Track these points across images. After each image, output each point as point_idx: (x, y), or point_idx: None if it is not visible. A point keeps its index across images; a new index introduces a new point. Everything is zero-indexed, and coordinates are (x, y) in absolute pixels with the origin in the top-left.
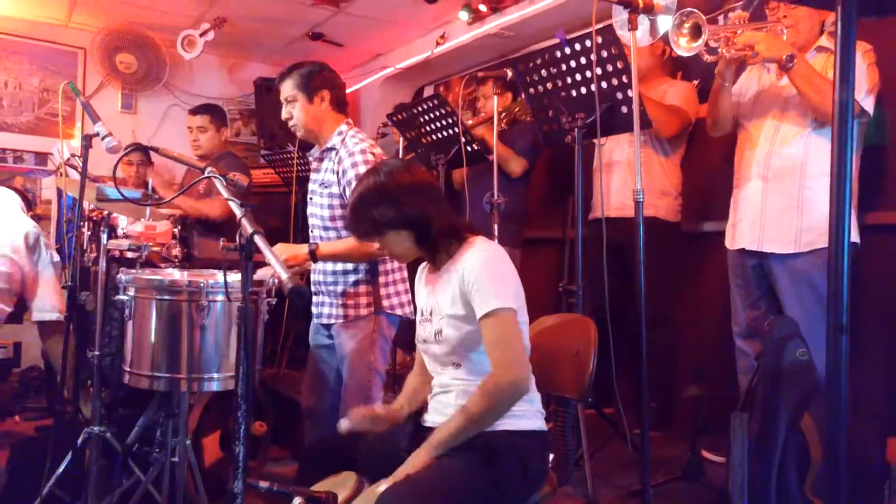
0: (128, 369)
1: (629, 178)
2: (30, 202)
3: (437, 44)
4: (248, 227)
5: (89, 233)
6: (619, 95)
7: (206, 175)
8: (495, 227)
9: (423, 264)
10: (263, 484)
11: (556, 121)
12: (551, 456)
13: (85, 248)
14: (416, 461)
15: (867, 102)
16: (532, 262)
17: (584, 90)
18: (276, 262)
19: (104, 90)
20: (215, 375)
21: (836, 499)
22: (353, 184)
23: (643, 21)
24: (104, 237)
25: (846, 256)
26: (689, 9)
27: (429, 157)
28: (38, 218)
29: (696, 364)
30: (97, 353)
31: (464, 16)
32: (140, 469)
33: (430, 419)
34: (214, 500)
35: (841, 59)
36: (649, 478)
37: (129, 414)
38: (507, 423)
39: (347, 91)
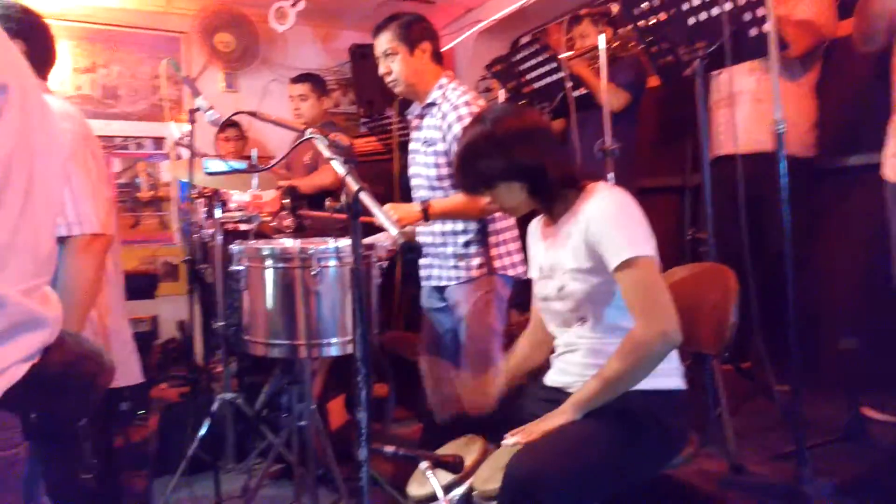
0: (247, 338)
1: (755, 109)
2: None
3: None
4: (352, 184)
5: (205, 209)
6: (748, 16)
7: (306, 137)
8: (610, 176)
9: (537, 218)
10: (389, 449)
11: (673, 53)
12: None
13: (202, 224)
14: (551, 423)
15: None
16: (649, 213)
17: (703, 16)
18: (385, 218)
19: (207, 71)
20: (333, 340)
21: None
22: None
23: None
24: (217, 211)
25: None
26: None
27: (532, 107)
28: (159, 200)
29: (851, 314)
30: (222, 323)
31: None
32: (273, 433)
33: (555, 379)
34: (342, 461)
35: None
36: (803, 437)
37: (257, 381)
38: (645, 382)
39: (441, 50)
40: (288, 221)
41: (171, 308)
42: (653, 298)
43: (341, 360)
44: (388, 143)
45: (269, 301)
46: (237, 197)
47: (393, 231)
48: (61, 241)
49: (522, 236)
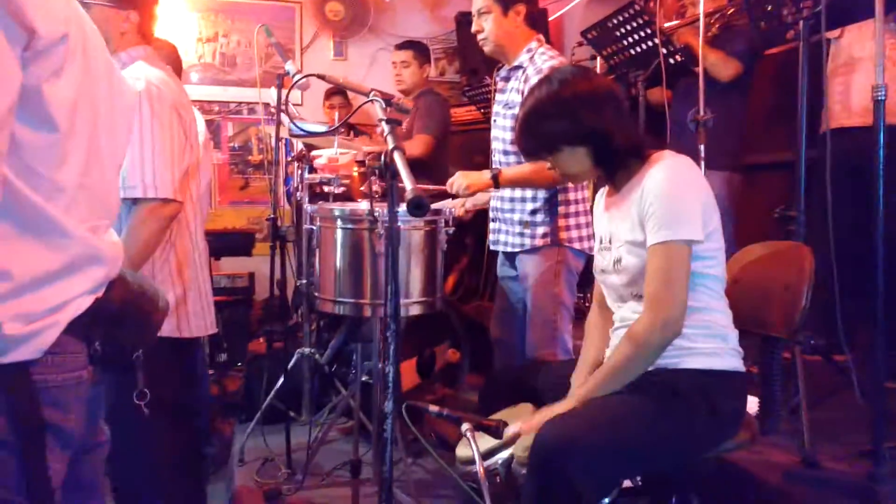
0: (317, 295)
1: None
2: None
3: None
4: (390, 142)
5: (300, 171)
6: None
7: (369, 98)
8: (702, 148)
9: (602, 189)
10: (434, 408)
11: (776, 15)
12: (754, 401)
13: (297, 185)
14: (553, 411)
15: None
16: (756, 190)
17: None
18: (406, 174)
19: (318, 40)
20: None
21: None
22: None
23: None
24: (305, 172)
25: None
26: None
27: (627, 75)
28: (269, 164)
29: None
30: (304, 281)
31: None
32: (346, 389)
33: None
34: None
35: None
36: (885, 436)
37: (329, 338)
38: (696, 361)
39: (550, 19)
40: (377, 187)
41: (276, 267)
42: (666, 287)
43: (415, 323)
44: (487, 111)
45: (338, 260)
46: (317, 161)
47: (408, 185)
48: (134, 201)
49: None
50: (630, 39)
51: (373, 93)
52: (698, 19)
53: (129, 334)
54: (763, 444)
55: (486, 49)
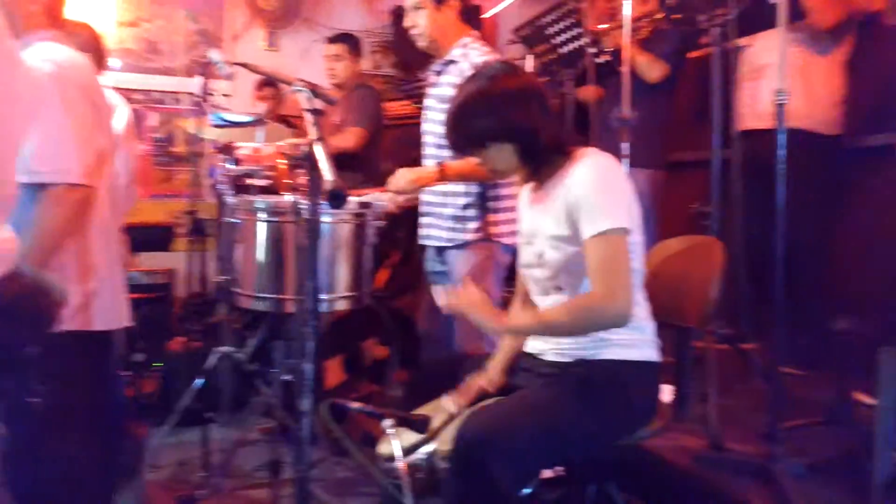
0: (236, 290)
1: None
2: None
3: None
4: (312, 132)
5: (222, 164)
6: None
7: (294, 88)
8: (624, 146)
9: (529, 184)
10: (355, 405)
11: (693, 21)
12: (668, 389)
13: (220, 178)
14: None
15: None
16: (678, 187)
17: None
18: (326, 165)
19: (250, 30)
20: (323, 297)
21: None
22: None
23: None
24: (228, 164)
25: None
26: None
27: (556, 74)
28: (194, 156)
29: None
30: (224, 277)
31: None
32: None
33: (534, 347)
34: (335, 420)
35: None
36: (786, 418)
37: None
38: (614, 352)
39: (484, 16)
40: (303, 180)
41: (196, 263)
42: (615, 275)
43: (344, 319)
44: (421, 106)
45: (260, 254)
46: (239, 152)
47: (328, 176)
48: (41, 187)
49: None
50: (560, 38)
51: (298, 82)
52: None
53: (24, 330)
54: (675, 430)
55: (420, 44)
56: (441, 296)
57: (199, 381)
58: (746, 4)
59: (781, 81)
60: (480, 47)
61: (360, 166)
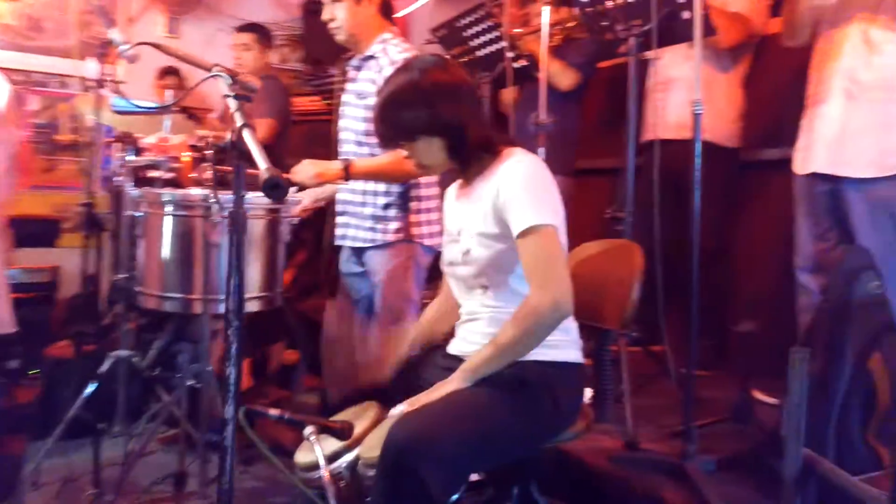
0: (140, 289)
1: (688, 96)
2: None
3: None
4: (238, 119)
5: (121, 154)
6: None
7: (212, 74)
8: (541, 151)
9: (455, 183)
10: (274, 412)
11: (611, 30)
12: (589, 391)
13: (117, 169)
14: (441, 391)
15: None
16: (586, 193)
17: None
18: (259, 153)
19: (148, 13)
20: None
21: None
22: None
23: None
24: (128, 155)
25: None
26: None
27: (473, 76)
28: (80, 145)
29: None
30: (122, 275)
31: None
32: (168, 394)
33: (457, 348)
34: (241, 427)
35: None
36: (694, 417)
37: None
38: (539, 353)
39: (397, 15)
40: (208, 174)
41: (88, 260)
42: (550, 268)
43: (250, 322)
44: (332, 103)
45: (166, 251)
46: (144, 141)
47: (262, 165)
48: None
49: None
50: (478, 41)
51: (216, 68)
52: (538, 31)
53: None
54: (592, 430)
55: (339, 38)
56: (394, 411)
57: (90, 388)
58: (662, 16)
59: (698, 93)
60: (400, 43)
61: (270, 156)
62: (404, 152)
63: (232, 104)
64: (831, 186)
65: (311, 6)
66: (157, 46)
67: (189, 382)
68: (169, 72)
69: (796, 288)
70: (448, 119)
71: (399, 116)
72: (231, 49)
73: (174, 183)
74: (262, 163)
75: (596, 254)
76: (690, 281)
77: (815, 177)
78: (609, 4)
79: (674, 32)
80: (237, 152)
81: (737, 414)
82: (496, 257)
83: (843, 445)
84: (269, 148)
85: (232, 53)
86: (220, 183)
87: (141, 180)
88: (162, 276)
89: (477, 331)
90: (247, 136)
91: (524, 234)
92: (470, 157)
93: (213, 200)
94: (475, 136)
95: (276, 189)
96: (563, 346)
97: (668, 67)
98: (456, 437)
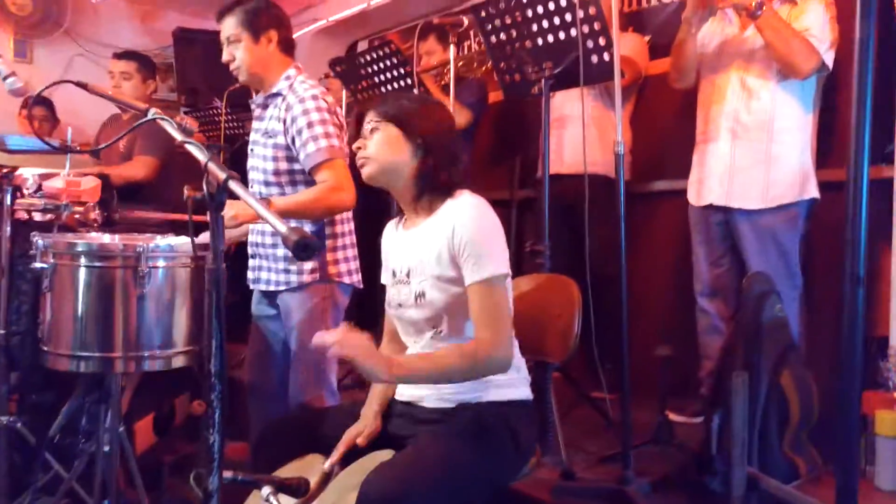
0: (47, 349)
1: (582, 132)
2: None
3: None
4: (218, 172)
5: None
6: (591, 44)
7: (149, 117)
8: None
9: (394, 220)
10: (227, 474)
11: (520, 71)
12: None
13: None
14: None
15: (829, 57)
16: None
17: (551, 38)
18: (264, 211)
19: None
20: (158, 353)
21: (848, 456)
22: (304, 133)
23: None
24: (7, 197)
25: (864, 204)
26: None
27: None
28: None
29: (663, 324)
30: (2, 331)
31: None
32: (60, 462)
33: (407, 392)
34: (151, 490)
35: None
36: (618, 442)
37: (43, 401)
38: (495, 394)
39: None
40: (95, 214)
41: None
42: (499, 324)
43: (152, 374)
44: (212, 135)
45: (80, 306)
46: (48, 184)
47: (281, 228)
48: None
49: (360, 243)
50: (381, 78)
51: (153, 111)
52: (441, 66)
53: None
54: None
55: (241, 79)
56: (318, 337)
57: None
58: (572, 60)
59: (620, 135)
60: (306, 80)
61: (153, 197)
62: (365, 137)
63: (198, 153)
64: (723, 216)
65: (182, 33)
66: (84, 87)
67: (89, 449)
68: (38, 101)
69: (696, 311)
70: (437, 141)
71: (402, 103)
72: (108, 77)
73: (59, 226)
74: (279, 225)
75: (530, 289)
76: (597, 307)
77: (710, 208)
78: (519, 45)
79: (582, 73)
80: (216, 206)
81: (658, 435)
82: (453, 301)
83: (765, 458)
84: (150, 185)
85: (108, 80)
86: (106, 223)
87: (21, 223)
88: (75, 333)
89: None
90: (237, 188)
91: (478, 283)
92: (430, 190)
93: (139, 249)
94: (449, 172)
95: (307, 250)
96: (517, 384)
97: (562, 105)
98: (427, 489)
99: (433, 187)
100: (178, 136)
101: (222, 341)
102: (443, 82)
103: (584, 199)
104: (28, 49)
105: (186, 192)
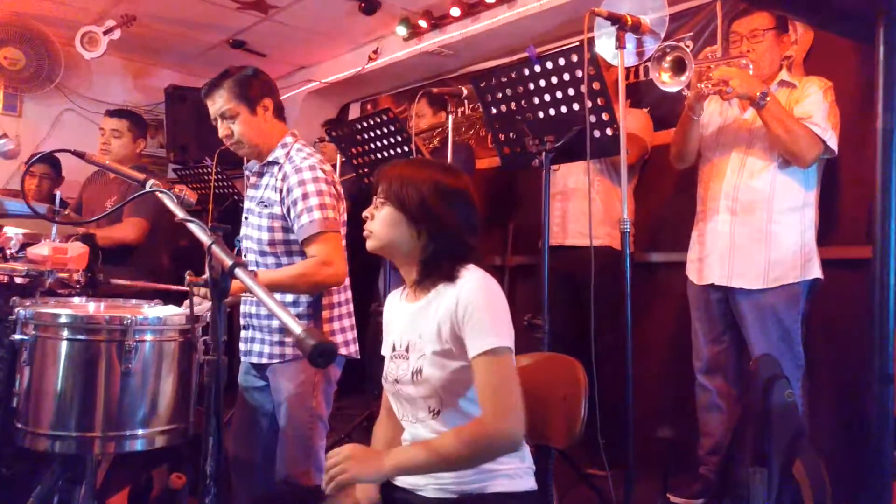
0: (21, 426)
1: (586, 206)
2: None
3: (370, 59)
4: (224, 258)
5: None
6: (593, 118)
7: (147, 189)
8: None
9: (397, 290)
10: None
11: (520, 143)
12: None
13: None
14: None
15: (832, 142)
16: None
17: (552, 112)
18: (279, 309)
19: None
20: (140, 432)
21: None
22: (298, 204)
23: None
24: None
25: (891, 304)
26: (673, 42)
27: (367, 178)
28: None
29: (661, 398)
30: None
31: (401, 31)
32: None
33: (407, 480)
34: None
35: (885, 85)
36: None
37: (15, 474)
38: (499, 485)
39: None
40: (79, 276)
41: None
42: (507, 395)
43: None
44: (202, 193)
45: (61, 381)
46: (33, 250)
47: (297, 330)
48: None
49: (356, 313)
50: (378, 144)
51: (151, 183)
52: (430, 130)
53: None
54: None
55: (241, 152)
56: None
57: None
58: (574, 134)
59: (625, 211)
60: (303, 147)
61: (142, 260)
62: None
63: (201, 235)
64: (723, 294)
65: (174, 91)
66: (81, 156)
67: None
68: (42, 159)
69: (696, 388)
70: (442, 235)
71: (418, 186)
72: (99, 133)
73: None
74: (294, 326)
75: (531, 368)
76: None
77: (710, 286)
78: (520, 118)
79: (584, 148)
80: (219, 292)
81: None
82: (450, 378)
83: None
84: (140, 247)
85: (87, 138)
86: (89, 285)
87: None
88: (54, 410)
89: None
90: (245, 278)
91: (482, 355)
92: (430, 276)
93: (127, 321)
94: (450, 264)
95: (323, 356)
96: (521, 473)
97: (565, 178)
98: None
99: (434, 273)
100: (179, 213)
101: (219, 439)
102: (431, 145)
103: (583, 269)
104: (18, 103)
105: (188, 277)
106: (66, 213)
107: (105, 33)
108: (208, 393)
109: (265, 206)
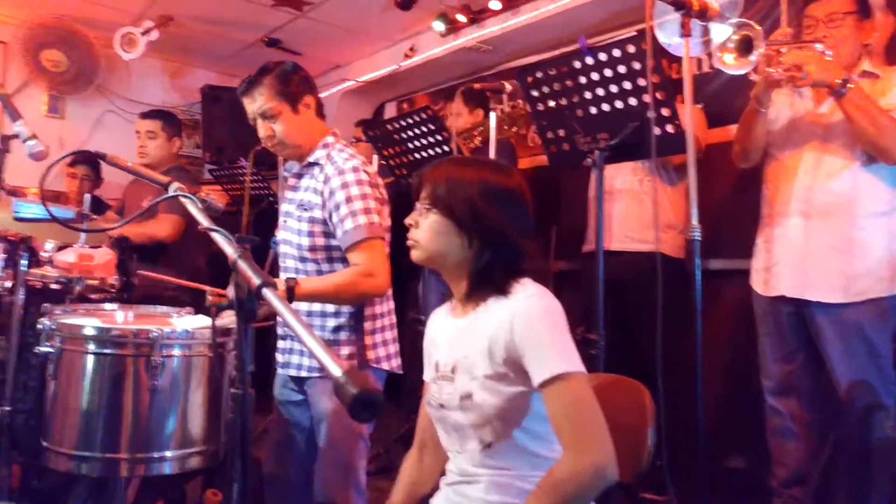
0: (46, 444)
1: (634, 207)
2: None
3: (406, 56)
4: (252, 275)
5: (4, 255)
6: (652, 114)
7: (171, 194)
8: None
9: (441, 307)
10: None
11: (569, 141)
12: None
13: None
14: None
15: None
16: None
17: (606, 107)
18: (314, 343)
19: (28, 90)
20: (168, 454)
21: None
22: (342, 208)
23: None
24: (23, 263)
25: None
26: (743, 19)
27: (404, 180)
28: None
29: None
30: (8, 408)
31: (438, 26)
32: None
33: None
34: None
35: None
36: None
37: (46, 487)
38: None
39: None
40: (113, 279)
41: None
42: (588, 424)
43: None
44: (236, 194)
45: (86, 398)
46: (59, 256)
47: (336, 373)
48: None
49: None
50: (418, 143)
51: (175, 186)
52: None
53: None
54: None
55: (283, 153)
56: None
57: None
58: (630, 132)
59: (694, 217)
60: (344, 148)
61: (174, 259)
62: (416, 214)
63: (227, 248)
64: (796, 308)
65: (210, 90)
66: (102, 157)
67: None
68: (81, 160)
69: (766, 410)
70: (494, 241)
71: (462, 195)
72: (135, 136)
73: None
74: (334, 368)
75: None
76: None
77: (781, 299)
78: (569, 114)
79: (643, 146)
80: (246, 314)
81: None
82: (505, 406)
83: None
84: (173, 246)
85: (126, 140)
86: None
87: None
88: (78, 429)
89: (476, 498)
90: (274, 300)
91: (551, 381)
92: (481, 289)
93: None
94: (503, 275)
95: (368, 410)
96: None
97: (613, 178)
98: None
99: (486, 285)
100: (203, 222)
101: (245, 469)
102: (472, 145)
103: (632, 276)
104: (61, 105)
105: (209, 299)
106: (105, 214)
107: (143, 34)
108: (234, 430)
109: (305, 209)
